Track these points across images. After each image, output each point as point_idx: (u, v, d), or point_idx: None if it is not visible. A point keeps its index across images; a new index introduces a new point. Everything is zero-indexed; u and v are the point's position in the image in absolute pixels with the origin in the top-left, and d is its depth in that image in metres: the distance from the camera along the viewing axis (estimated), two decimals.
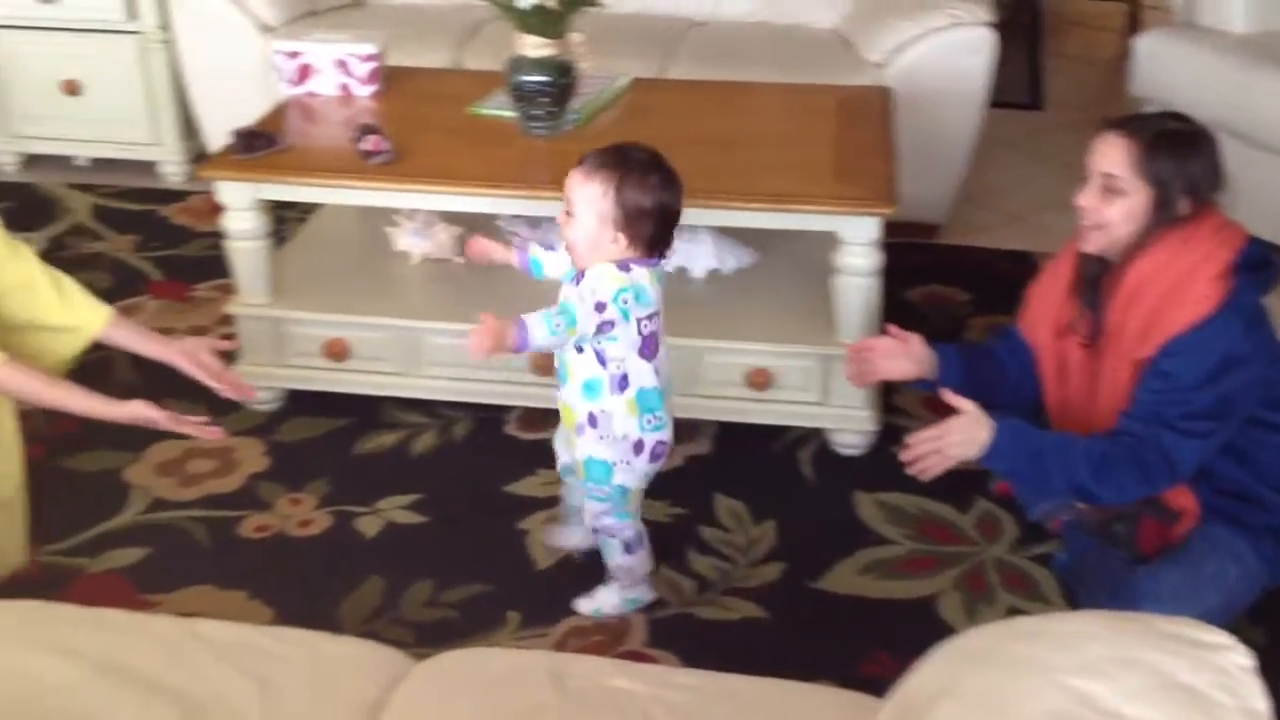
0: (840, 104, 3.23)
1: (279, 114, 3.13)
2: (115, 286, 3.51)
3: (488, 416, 2.98)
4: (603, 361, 2.23)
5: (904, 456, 2.29)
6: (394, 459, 2.88)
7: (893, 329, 2.50)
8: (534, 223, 3.12)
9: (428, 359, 2.95)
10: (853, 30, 3.89)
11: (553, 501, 2.71)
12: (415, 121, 3.06)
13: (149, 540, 2.60)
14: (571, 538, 2.57)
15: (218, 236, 2.97)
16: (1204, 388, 2.20)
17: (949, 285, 3.59)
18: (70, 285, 2.41)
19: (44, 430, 2.75)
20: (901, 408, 3.01)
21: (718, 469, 2.85)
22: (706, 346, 2.84)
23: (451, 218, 3.13)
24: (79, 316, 2.40)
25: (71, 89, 4.10)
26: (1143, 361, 2.25)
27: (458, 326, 2.91)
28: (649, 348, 2.25)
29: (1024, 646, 1.34)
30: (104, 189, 4.09)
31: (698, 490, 2.77)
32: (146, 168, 4.19)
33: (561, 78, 2.90)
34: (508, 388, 2.94)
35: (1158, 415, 2.22)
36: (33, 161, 4.27)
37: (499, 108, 3.07)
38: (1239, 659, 1.27)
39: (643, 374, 2.25)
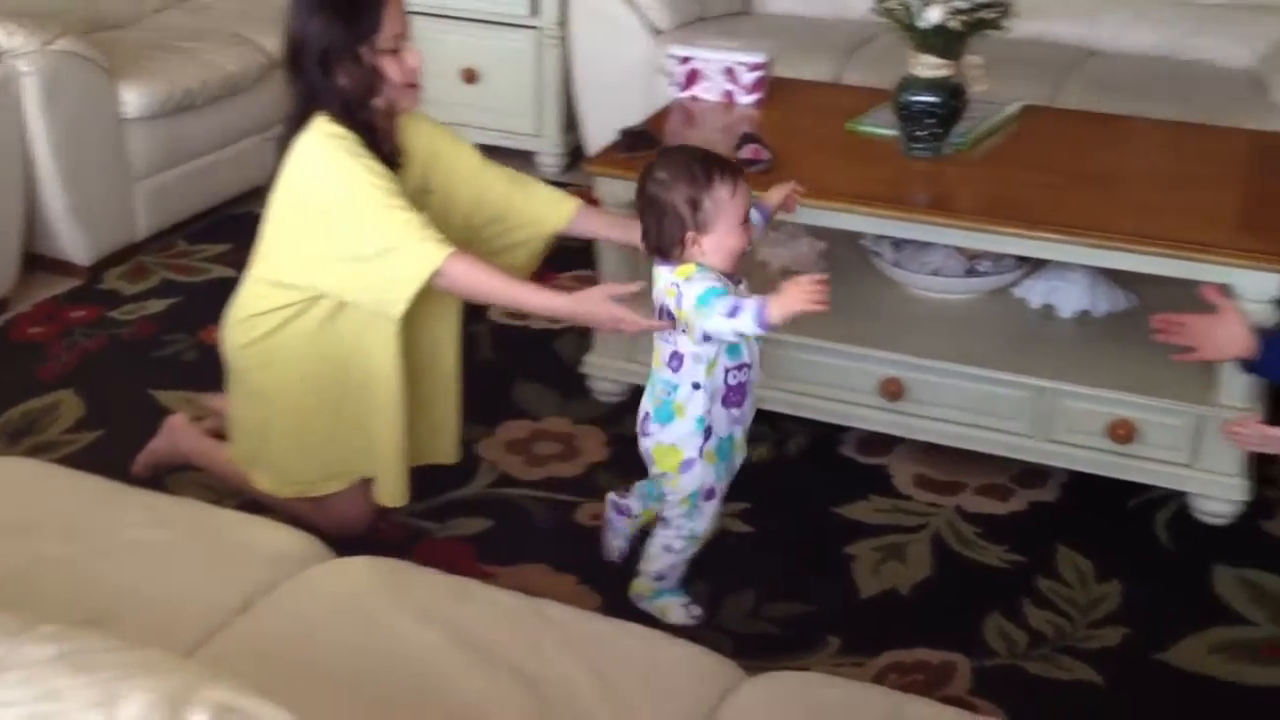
0: (1248, 149, 3.01)
1: (664, 116, 3.20)
2: None
3: (824, 434, 2.95)
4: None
5: (1229, 426, 2.29)
6: None
7: (1208, 290, 2.36)
8: (898, 244, 3.06)
9: (771, 370, 2.93)
10: (1269, 72, 3.61)
11: (884, 530, 2.65)
12: (794, 133, 3.06)
13: (492, 513, 2.72)
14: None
15: None
16: None
17: None
18: (532, 182, 2.63)
19: None
20: (1277, 480, 2.76)
21: (1063, 520, 2.71)
22: (1067, 390, 2.70)
23: (815, 231, 3.11)
24: (539, 210, 2.59)
25: (470, 77, 4.35)
26: None
27: (805, 340, 2.89)
28: None
29: None
30: None
31: (1039, 539, 2.64)
32: (526, 157, 4.39)
33: (951, 100, 2.83)
34: (848, 408, 2.89)
35: None
36: None
37: (880, 125, 3.03)
38: None
39: None
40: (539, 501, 2.77)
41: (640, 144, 2.96)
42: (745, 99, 3.25)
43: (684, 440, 2.28)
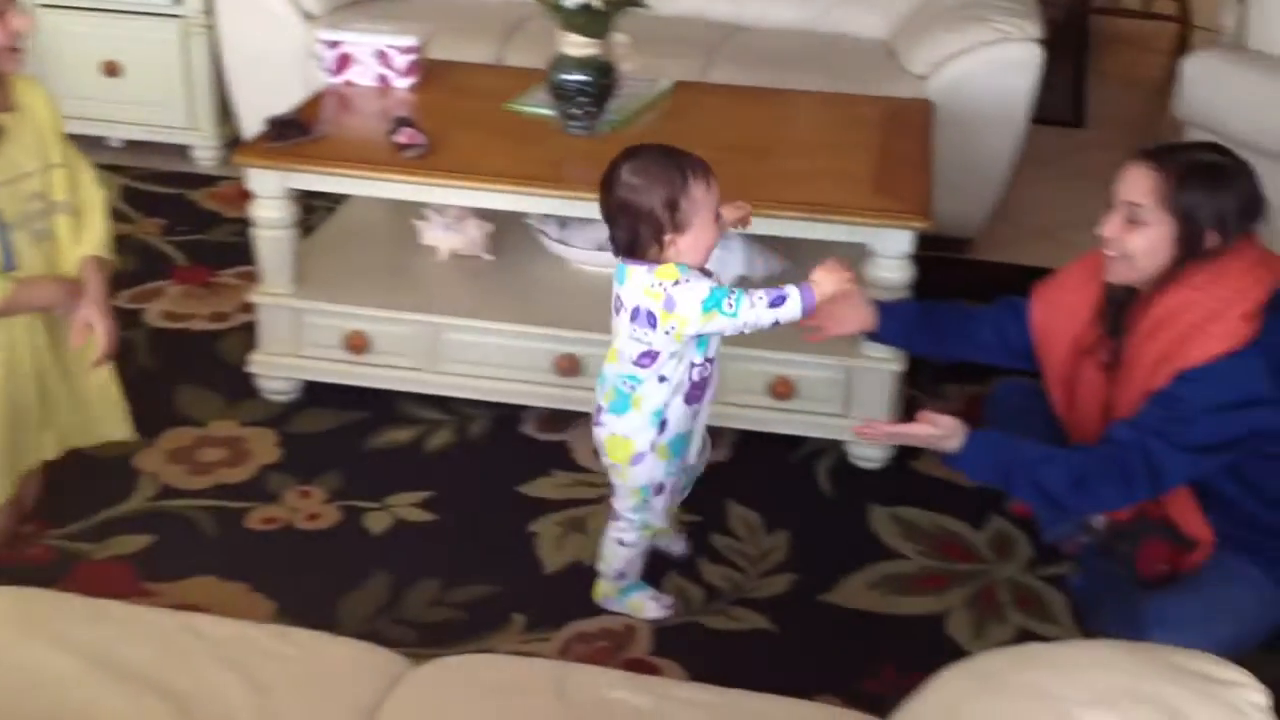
0: (881, 115, 3.18)
1: (315, 103, 3.11)
2: (140, 269, 3.49)
3: (505, 416, 2.95)
4: None
5: (858, 429, 2.41)
6: (407, 455, 2.85)
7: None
8: (563, 222, 3.09)
9: (448, 355, 2.92)
10: (899, 41, 3.85)
11: (567, 504, 2.68)
12: (451, 116, 3.03)
13: (155, 528, 2.58)
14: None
15: (245, 223, 2.95)
16: (1212, 415, 2.14)
17: (975, 301, 3.52)
18: (86, 224, 2.49)
19: None
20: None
21: (734, 477, 2.80)
22: (729, 354, 2.78)
23: (483, 214, 3.10)
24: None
25: (111, 70, 4.10)
26: (1154, 392, 2.20)
27: (480, 324, 2.88)
28: None
29: (1034, 674, 1.30)
30: (136, 171, 4.09)
31: (712, 498, 2.72)
32: (179, 151, 4.19)
33: (602, 78, 2.87)
34: (526, 387, 2.90)
35: (1153, 427, 2.17)
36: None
37: (537, 105, 3.05)
38: (1253, 696, 1.22)
39: None
40: (206, 511, 2.64)
41: (290, 132, 2.87)
42: (400, 82, 3.20)
43: (636, 432, 2.24)
